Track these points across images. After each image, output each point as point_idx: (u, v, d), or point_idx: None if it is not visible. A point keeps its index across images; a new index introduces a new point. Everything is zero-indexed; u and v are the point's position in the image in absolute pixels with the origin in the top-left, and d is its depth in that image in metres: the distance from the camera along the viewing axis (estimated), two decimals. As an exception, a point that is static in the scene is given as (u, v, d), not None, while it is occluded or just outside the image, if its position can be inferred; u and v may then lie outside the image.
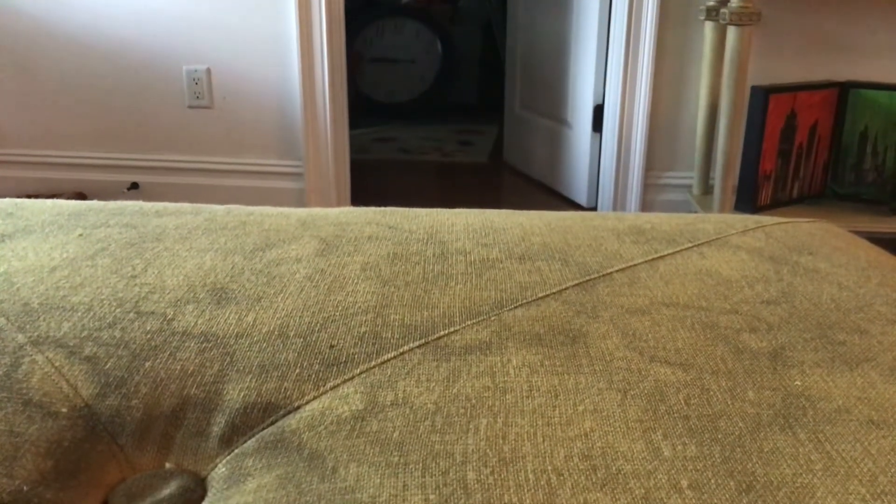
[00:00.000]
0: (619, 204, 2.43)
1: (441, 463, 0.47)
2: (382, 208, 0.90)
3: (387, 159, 3.38)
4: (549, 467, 0.47)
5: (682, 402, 0.54)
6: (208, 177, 2.43)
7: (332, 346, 0.59)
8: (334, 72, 2.31)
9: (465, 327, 0.62)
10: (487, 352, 0.59)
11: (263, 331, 0.61)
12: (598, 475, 0.46)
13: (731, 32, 1.94)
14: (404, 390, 0.54)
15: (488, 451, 0.48)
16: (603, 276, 0.72)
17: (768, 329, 0.64)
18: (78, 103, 2.39)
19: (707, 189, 2.30)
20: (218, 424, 0.53)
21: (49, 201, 0.90)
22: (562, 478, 0.46)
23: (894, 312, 0.68)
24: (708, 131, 2.24)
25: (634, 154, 2.37)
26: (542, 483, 0.46)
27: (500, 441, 0.49)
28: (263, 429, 0.53)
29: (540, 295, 0.68)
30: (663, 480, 0.46)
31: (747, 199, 2.08)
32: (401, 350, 0.59)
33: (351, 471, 0.47)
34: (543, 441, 0.49)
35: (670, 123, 2.35)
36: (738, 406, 0.53)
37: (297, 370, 0.57)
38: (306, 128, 2.34)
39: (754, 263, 0.77)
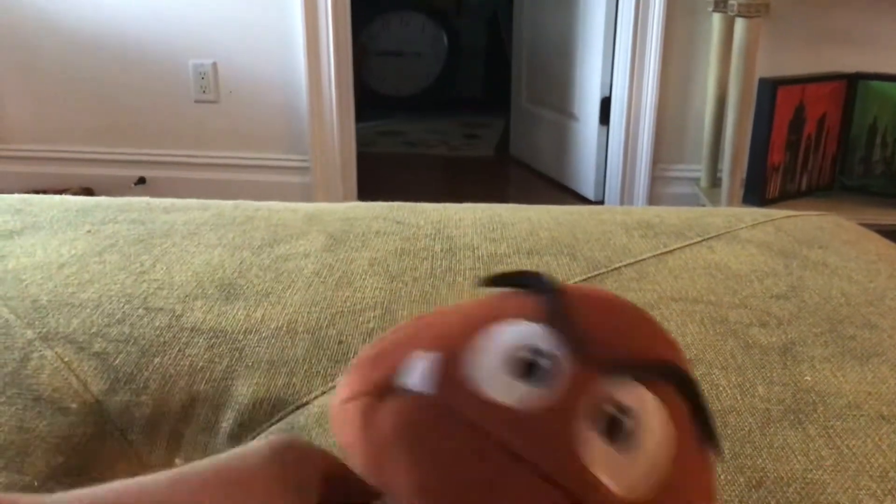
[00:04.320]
0: (626, 197, 2.42)
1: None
2: (390, 203, 0.90)
3: (392, 153, 3.38)
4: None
5: (692, 397, 0.53)
6: (215, 171, 2.43)
7: (340, 342, 0.59)
8: (340, 65, 2.30)
9: (473, 322, 0.62)
10: (496, 347, 0.59)
11: (272, 326, 0.61)
12: (608, 471, 0.46)
13: (740, 24, 1.93)
14: (413, 386, 0.54)
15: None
16: (611, 270, 0.72)
17: (778, 324, 0.63)
18: (84, 98, 2.39)
19: (715, 182, 2.29)
20: (227, 420, 0.53)
21: (57, 197, 0.91)
22: (571, 474, 0.46)
23: (905, 306, 0.67)
24: (716, 124, 2.23)
25: (642, 147, 2.36)
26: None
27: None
28: (272, 424, 0.53)
29: (548, 290, 0.67)
30: (673, 476, 0.46)
31: (756, 192, 2.07)
32: (409, 346, 0.59)
33: (360, 467, 0.47)
34: (552, 437, 0.49)
35: (678, 116, 2.34)
36: (747, 401, 0.53)
37: (306, 366, 0.57)
38: (312, 122, 2.33)
39: (764, 258, 0.76)
